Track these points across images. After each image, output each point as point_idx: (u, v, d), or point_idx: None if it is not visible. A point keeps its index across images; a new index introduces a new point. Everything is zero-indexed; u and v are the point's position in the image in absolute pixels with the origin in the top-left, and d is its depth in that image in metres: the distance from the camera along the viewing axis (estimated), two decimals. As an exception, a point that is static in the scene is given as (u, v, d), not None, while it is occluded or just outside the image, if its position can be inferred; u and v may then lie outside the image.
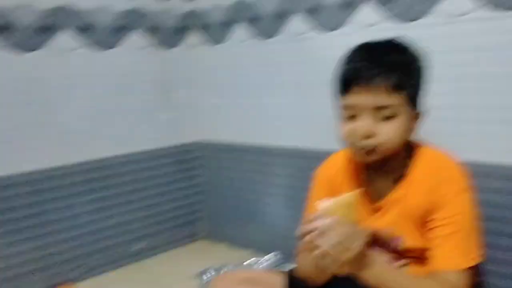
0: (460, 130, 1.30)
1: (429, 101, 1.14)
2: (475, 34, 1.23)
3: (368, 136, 1.02)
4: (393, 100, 1.02)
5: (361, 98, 1.02)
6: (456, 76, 1.28)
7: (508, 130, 1.21)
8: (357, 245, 0.96)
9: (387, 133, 1.02)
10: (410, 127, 1.07)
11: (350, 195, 0.97)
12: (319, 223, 0.96)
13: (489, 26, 1.20)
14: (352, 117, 1.05)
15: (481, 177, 1.21)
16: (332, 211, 0.96)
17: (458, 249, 1.01)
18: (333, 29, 1.53)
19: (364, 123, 1.02)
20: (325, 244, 0.95)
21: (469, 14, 1.24)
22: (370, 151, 1.04)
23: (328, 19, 1.54)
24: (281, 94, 1.73)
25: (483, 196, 1.14)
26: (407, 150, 1.12)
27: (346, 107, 1.06)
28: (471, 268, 1.02)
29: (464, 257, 1.02)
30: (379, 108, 1.02)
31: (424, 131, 1.15)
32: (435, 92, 1.17)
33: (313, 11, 1.58)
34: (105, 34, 1.76)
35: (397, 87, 1.02)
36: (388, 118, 1.03)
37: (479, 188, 1.10)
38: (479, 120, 1.26)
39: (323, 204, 0.97)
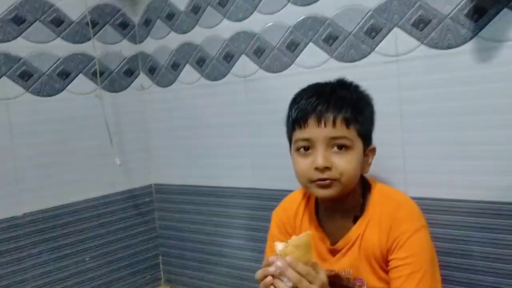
0: (407, 166, 1.33)
1: (377, 138, 1.19)
2: (420, 71, 1.28)
3: (326, 167, 1.04)
4: (347, 132, 1.06)
5: (317, 130, 1.06)
6: (402, 113, 1.32)
7: (454, 165, 1.25)
8: (316, 285, 0.97)
9: (342, 165, 1.05)
10: (363, 162, 1.11)
11: (304, 236, 0.99)
12: (275, 267, 0.96)
13: (433, 63, 1.26)
14: (306, 151, 1.07)
15: (432, 212, 1.26)
16: (287, 252, 0.97)
17: None
18: (279, 70, 1.57)
19: (321, 155, 1.05)
20: (283, 287, 0.95)
21: (411, 52, 1.29)
22: (327, 185, 1.06)
23: (274, 61, 1.58)
24: (232, 135, 1.74)
25: (436, 231, 1.18)
26: (362, 188, 1.15)
27: (301, 140, 1.08)
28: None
29: None
30: (334, 139, 1.05)
31: (372, 169, 1.19)
32: (382, 129, 1.22)
33: (259, 53, 1.62)
34: (48, 79, 1.73)
35: (349, 121, 1.07)
36: (342, 150, 1.06)
37: (432, 223, 1.15)
38: (424, 156, 1.30)
39: (278, 246, 0.98)
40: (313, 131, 1.07)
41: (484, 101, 1.19)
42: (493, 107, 1.18)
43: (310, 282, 0.95)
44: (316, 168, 1.05)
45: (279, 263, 0.96)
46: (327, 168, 1.05)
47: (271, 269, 0.96)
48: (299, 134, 1.09)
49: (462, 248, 1.25)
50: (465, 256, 1.25)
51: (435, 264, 1.08)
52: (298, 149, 1.10)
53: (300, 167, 1.09)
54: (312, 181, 1.07)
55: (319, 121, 1.06)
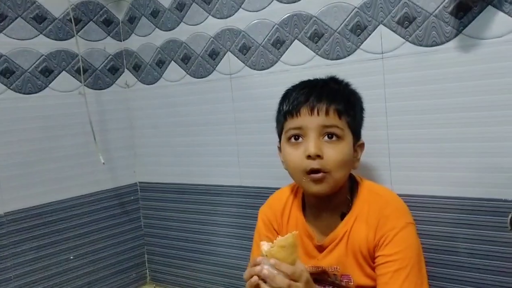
0: (392, 163, 1.34)
1: (363, 136, 1.19)
2: (405, 69, 1.29)
3: (317, 156, 1.04)
4: (339, 122, 1.07)
5: (309, 118, 1.07)
6: (388, 110, 1.33)
7: (439, 162, 1.26)
8: (301, 285, 0.96)
9: (333, 155, 1.05)
10: (353, 156, 1.11)
11: (289, 236, 0.98)
12: (261, 267, 0.95)
13: (418, 61, 1.26)
14: (297, 140, 1.08)
15: (417, 208, 1.27)
16: (273, 253, 0.96)
17: (406, 285, 1.03)
18: (265, 67, 1.57)
19: (313, 142, 1.05)
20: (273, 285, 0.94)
21: (396, 50, 1.30)
22: (320, 179, 1.06)
23: (259, 58, 1.57)
24: (218, 132, 1.74)
25: (422, 228, 1.19)
26: (349, 185, 1.16)
27: (293, 129, 1.09)
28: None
29: None
30: (326, 127, 1.06)
31: (359, 166, 1.19)
32: (368, 126, 1.23)
33: (244, 51, 1.61)
34: (30, 77, 1.71)
35: (341, 112, 1.08)
36: (333, 139, 1.07)
37: (418, 220, 1.16)
38: (413, 153, 1.31)
39: (264, 246, 0.98)
40: (305, 119, 1.07)
41: (469, 98, 1.20)
42: (478, 104, 1.19)
43: (295, 281, 0.95)
44: (308, 157, 1.05)
45: (262, 266, 0.95)
46: (318, 157, 1.05)
47: (257, 268, 0.96)
48: (290, 123, 1.10)
49: (448, 244, 1.26)
50: (451, 253, 1.26)
51: (422, 260, 1.09)
52: (289, 139, 1.10)
53: (291, 157, 1.09)
54: (305, 174, 1.07)
55: (312, 110, 1.07)
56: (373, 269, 1.09)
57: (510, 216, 0.77)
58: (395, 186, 1.31)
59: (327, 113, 1.06)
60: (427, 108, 1.26)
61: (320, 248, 1.14)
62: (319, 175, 1.05)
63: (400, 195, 1.19)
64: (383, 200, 1.12)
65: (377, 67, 1.33)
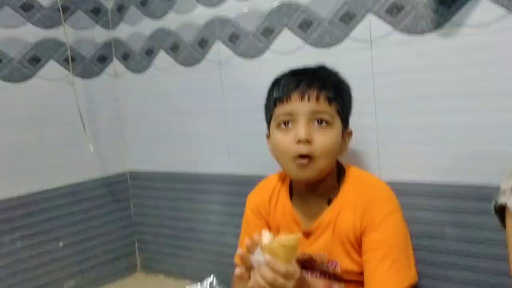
0: (380, 151, 1.35)
1: (352, 123, 1.20)
2: (393, 57, 1.30)
3: (306, 141, 1.05)
4: (329, 108, 1.08)
5: (300, 104, 1.08)
6: (376, 98, 1.34)
7: (426, 149, 1.28)
8: (291, 283, 0.93)
9: (322, 141, 1.06)
10: (341, 143, 1.12)
11: (292, 239, 0.95)
12: (259, 258, 0.94)
13: (407, 49, 1.27)
14: (286, 125, 1.08)
15: (405, 195, 1.28)
16: (272, 248, 0.94)
17: (392, 271, 1.04)
18: (255, 56, 1.57)
19: (303, 127, 1.06)
20: (261, 280, 0.92)
21: (385, 38, 1.30)
22: (305, 165, 1.06)
23: (249, 47, 1.58)
24: (208, 121, 1.74)
25: (410, 214, 1.21)
26: (336, 171, 1.17)
27: (283, 115, 1.09)
28: (407, 288, 1.05)
29: (399, 278, 1.05)
30: (316, 113, 1.07)
31: (347, 153, 1.20)
32: (358, 114, 1.24)
33: (234, 39, 1.61)
34: (18, 66, 1.69)
35: (331, 99, 1.09)
36: (323, 125, 1.08)
37: (406, 206, 1.17)
38: (401, 141, 1.32)
39: (265, 236, 0.96)
40: (295, 105, 1.08)
41: (456, 87, 1.21)
42: (465, 92, 1.20)
43: (287, 279, 0.93)
44: (299, 142, 1.06)
45: (260, 257, 0.93)
46: (308, 142, 1.06)
47: (254, 260, 0.94)
48: (280, 109, 1.10)
49: (435, 230, 1.28)
50: (438, 239, 1.28)
51: (409, 246, 1.10)
52: (278, 125, 1.11)
53: (282, 142, 1.09)
54: (294, 159, 1.07)
55: (302, 96, 1.08)
56: (360, 255, 1.10)
57: (493, 201, 0.78)
58: (383, 173, 1.33)
59: (317, 99, 1.07)
60: (416, 96, 1.27)
61: (307, 234, 1.15)
62: (305, 160, 1.06)
63: (388, 183, 1.20)
64: (370, 187, 1.13)
65: (366, 56, 1.34)
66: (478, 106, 1.19)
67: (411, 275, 1.07)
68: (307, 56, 1.43)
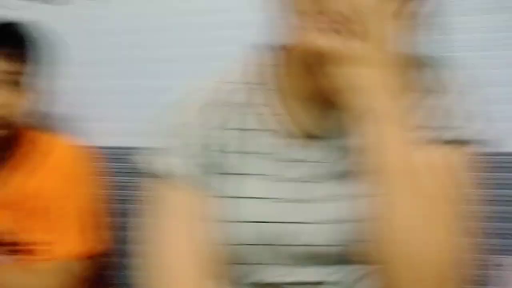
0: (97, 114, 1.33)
1: (66, 85, 1.17)
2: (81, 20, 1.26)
3: None
4: (11, 67, 1.00)
5: None
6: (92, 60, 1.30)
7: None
8: None
9: (4, 100, 0.99)
10: (33, 104, 1.06)
11: None
12: None
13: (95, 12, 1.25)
14: None
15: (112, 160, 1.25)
16: None
17: (74, 237, 1.02)
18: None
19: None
20: None
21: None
22: None
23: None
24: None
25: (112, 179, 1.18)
26: (19, 135, 1.09)
27: None
28: (91, 256, 1.04)
29: (81, 244, 1.03)
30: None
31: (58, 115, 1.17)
32: (72, 75, 1.21)
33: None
34: None
35: (14, 56, 1.01)
36: (7, 84, 1.00)
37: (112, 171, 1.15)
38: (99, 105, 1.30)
39: None
40: None
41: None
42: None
43: None
44: None
45: None
46: None
47: None
48: None
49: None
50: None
51: (96, 215, 1.07)
52: None
53: None
54: None
55: None
56: (42, 222, 1.03)
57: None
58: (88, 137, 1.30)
59: None
60: (111, 60, 1.27)
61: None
62: None
63: (95, 147, 1.15)
64: (54, 151, 1.07)
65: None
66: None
67: (96, 243, 1.05)
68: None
